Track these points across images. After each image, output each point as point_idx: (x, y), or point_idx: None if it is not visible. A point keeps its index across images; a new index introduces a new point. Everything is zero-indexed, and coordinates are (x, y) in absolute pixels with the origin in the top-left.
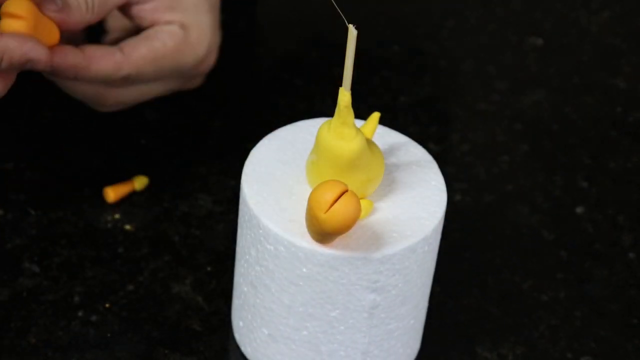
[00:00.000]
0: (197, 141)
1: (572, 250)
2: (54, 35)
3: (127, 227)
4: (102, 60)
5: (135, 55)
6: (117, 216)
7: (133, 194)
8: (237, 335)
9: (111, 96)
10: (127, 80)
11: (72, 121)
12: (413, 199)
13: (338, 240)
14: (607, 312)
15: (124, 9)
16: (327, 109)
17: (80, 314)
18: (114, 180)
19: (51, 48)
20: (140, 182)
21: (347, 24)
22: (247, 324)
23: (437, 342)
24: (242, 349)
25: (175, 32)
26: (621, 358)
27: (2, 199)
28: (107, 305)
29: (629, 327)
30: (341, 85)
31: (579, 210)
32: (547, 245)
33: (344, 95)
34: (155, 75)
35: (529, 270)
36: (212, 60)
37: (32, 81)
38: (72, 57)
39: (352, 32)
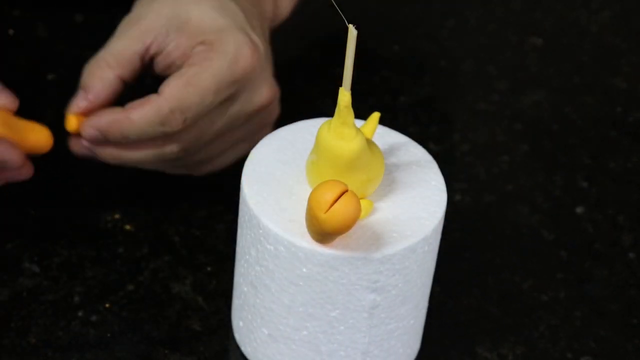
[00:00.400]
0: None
1: (572, 250)
2: (41, 138)
3: (127, 227)
4: (139, 107)
5: (168, 87)
6: (117, 216)
7: (133, 195)
8: (237, 335)
9: (196, 152)
10: (177, 119)
11: None
12: (413, 199)
13: (338, 240)
14: (607, 312)
15: (155, 67)
16: (327, 109)
17: (80, 314)
18: (113, 180)
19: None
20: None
21: (347, 24)
22: (247, 324)
23: (437, 342)
24: (242, 349)
25: (199, 50)
26: (621, 358)
27: (2, 198)
28: (107, 305)
29: (629, 327)
30: (341, 85)
31: (579, 210)
32: (547, 245)
33: (344, 95)
34: (201, 99)
35: (529, 270)
36: (251, 61)
37: (32, 81)
38: (110, 113)
39: (352, 32)
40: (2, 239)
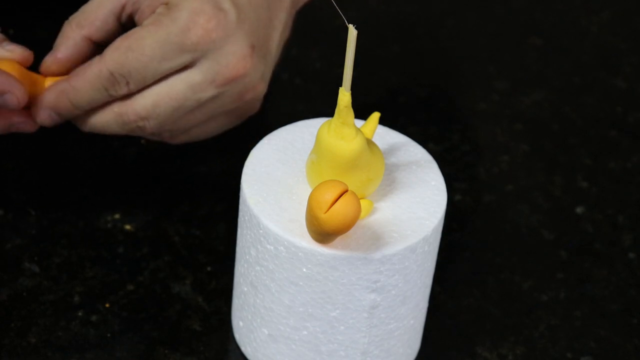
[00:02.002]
0: (198, 141)
1: (572, 250)
2: (40, 88)
3: (127, 227)
4: (81, 72)
5: (110, 50)
6: (117, 216)
7: (133, 195)
8: (237, 335)
9: (163, 120)
10: (119, 82)
11: None
12: (413, 199)
13: (338, 240)
14: (607, 312)
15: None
16: (327, 109)
17: (80, 314)
18: (113, 181)
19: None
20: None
21: (347, 24)
22: (247, 324)
23: (437, 342)
24: (242, 349)
25: (158, 12)
26: (621, 358)
27: (2, 199)
28: (107, 305)
29: (629, 327)
30: (341, 85)
31: (579, 210)
32: (547, 245)
33: (344, 95)
34: (143, 65)
35: (529, 270)
36: (206, 30)
37: None
38: (55, 87)
39: (352, 32)
40: (2, 239)
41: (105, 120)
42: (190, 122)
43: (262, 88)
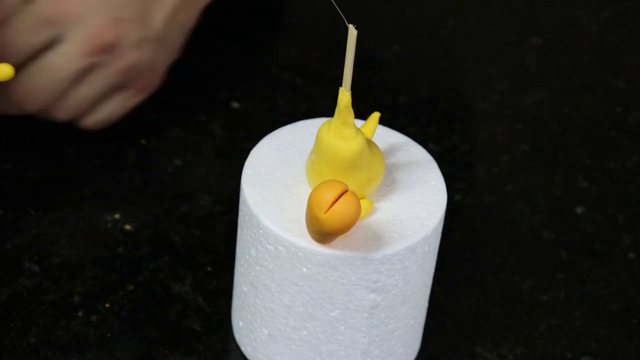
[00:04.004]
0: (197, 141)
1: (572, 250)
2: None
3: (127, 227)
4: None
5: None
6: (117, 216)
7: (133, 195)
8: (237, 335)
9: (50, 96)
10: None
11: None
12: (413, 199)
13: (338, 240)
14: (607, 312)
15: None
16: (327, 109)
17: (80, 314)
18: (113, 181)
19: None
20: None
21: (347, 24)
22: (247, 324)
23: (437, 342)
24: (242, 349)
25: None
26: (621, 358)
27: (2, 199)
28: (107, 305)
29: (629, 327)
30: (341, 85)
31: (579, 210)
32: (547, 245)
33: (344, 95)
34: (17, 37)
35: (529, 270)
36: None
37: None
38: None
39: (352, 32)
40: (2, 239)
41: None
42: (80, 97)
43: (136, 57)
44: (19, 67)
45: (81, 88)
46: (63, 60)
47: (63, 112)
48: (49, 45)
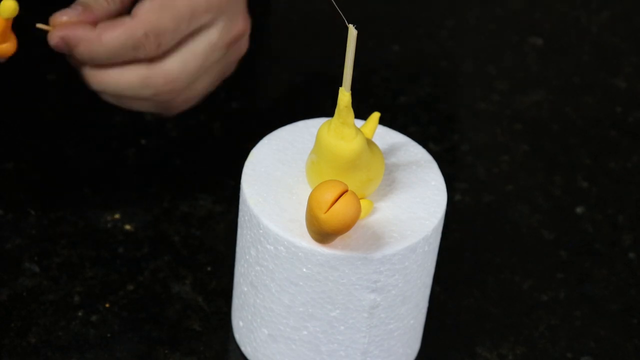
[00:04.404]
0: (197, 141)
1: (572, 250)
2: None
3: (127, 227)
4: (112, 28)
5: (143, 10)
6: (117, 216)
7: (133, 195)
8: (237, 335)
9: (183, 85)
10: (152, 43)
11: (72, 121)
12: (413, 199)
13: (338, 240)
14: (607, 312)
15: None
16: (327, 109)
17: (80, 314)
18: (114, 181)
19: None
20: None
21: (347, 24)
22: (247, 324)
23: (437, 342)
24: (242, 349)
25: None
26: (621, 358)
27: (2, 199)
28: (107, 305)
29: (629, 327)
30: (341, 85)
31: (579, 210)
32: (547, 245)
33: (344, 95)
34: (176, 24)
35: (529, 270)
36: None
37: (32, 81)
38: (82, 29)
39: (352, 32)
40: (2, 239)
41: (128, 81)
42: (202, 84)
43: (245, 49)
44: (164, 54)
45: (203, 78)
46: (209, 47)
47: (183, 103)
48: (198, 31)
